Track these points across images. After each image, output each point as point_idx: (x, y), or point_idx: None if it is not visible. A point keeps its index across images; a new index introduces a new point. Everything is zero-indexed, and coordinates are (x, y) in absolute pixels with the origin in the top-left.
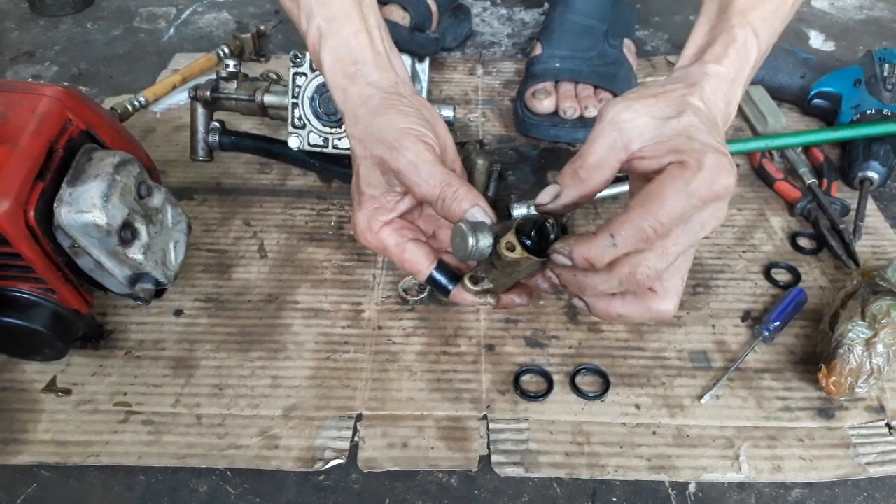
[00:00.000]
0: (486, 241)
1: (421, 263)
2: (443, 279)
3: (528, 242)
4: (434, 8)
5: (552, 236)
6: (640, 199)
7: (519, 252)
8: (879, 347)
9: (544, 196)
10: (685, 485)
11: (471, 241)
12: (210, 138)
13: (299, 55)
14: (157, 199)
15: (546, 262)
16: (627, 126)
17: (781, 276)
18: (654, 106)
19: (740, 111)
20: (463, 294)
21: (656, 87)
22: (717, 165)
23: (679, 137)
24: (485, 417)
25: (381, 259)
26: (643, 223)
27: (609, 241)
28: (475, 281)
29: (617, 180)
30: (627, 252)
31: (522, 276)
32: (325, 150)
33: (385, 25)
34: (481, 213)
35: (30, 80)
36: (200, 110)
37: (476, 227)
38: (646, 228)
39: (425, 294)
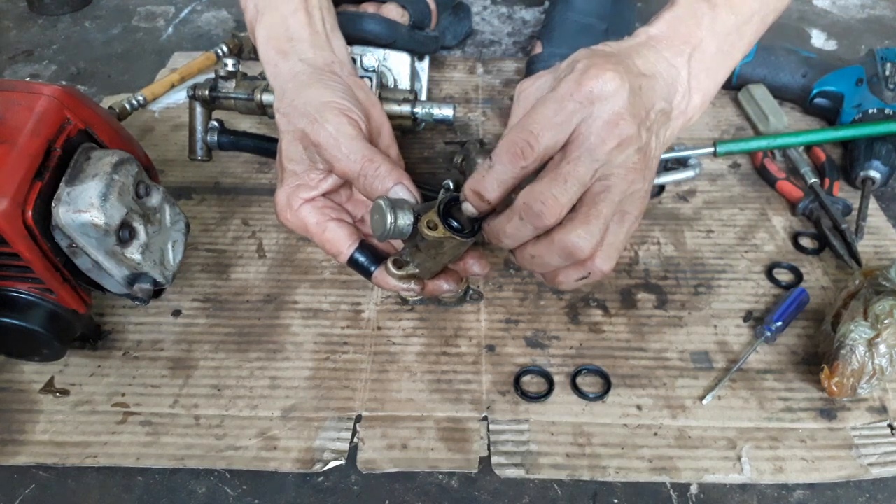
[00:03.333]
0: (405, 219)
1: (342, 244)
2: (364, 260)
3: (455, 223)
4: (433, 6)
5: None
6: (533, 185)
7: (441, 231)
8: (882, 348)
9: (469, 209)
10: (687, 486)
11: (389, 217)
12: (209, 137)
13: None
14: (155, 198)
15: (473, 241)
16: (527, 93)
17: (783, 276)
18: (555, 70)
19: (742, 111)
20: (386, 278)
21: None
22: (587, 67)
23: (566, 69)
24: (485, 418)
25: None
26: (514, 136)
27: (487, 165)
28: (399, 265)
29: None
30: (513, 180)
31: (448, 258)
32: None
33: (331, 7)
34: (404, 191)
35: (28, 79)
36: (199, 109)
37: (396, 203)
38: (516, 140)
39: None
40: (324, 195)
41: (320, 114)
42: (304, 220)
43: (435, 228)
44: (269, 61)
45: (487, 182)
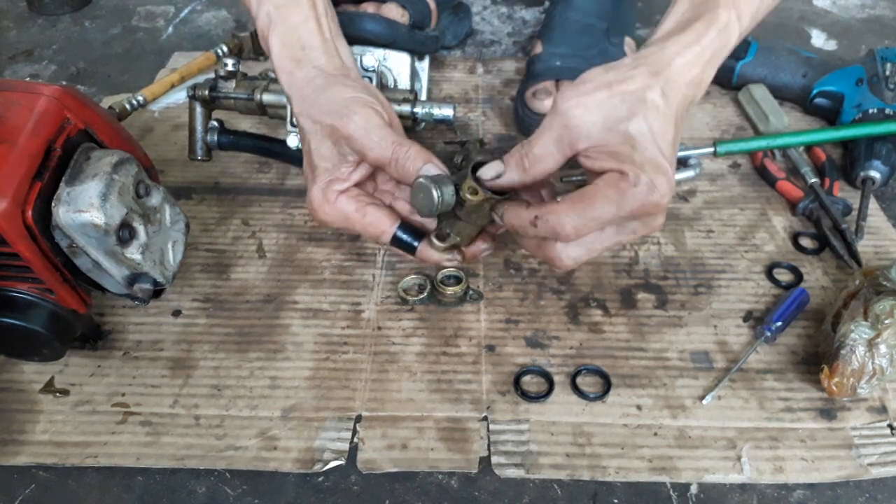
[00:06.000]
0: (449, 191)
1: (384, 223)
2: (407, 237)
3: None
4: (433, 6)
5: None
6: (575, 196)
7: (482, 194)
8: (882, 348)
9: (488, 172)
10: (687, 486)
11: (435, 193)
12: (208, 137)
13: None
14: (155, 198)
15: (508, 196)
16: (576, 123)
17: (783, 276)
18: (608, 103)
19: (742, 111)
20: (429, 251)
21: (617, 72)
22: (652, 184)
23: (624, 146)
24: (485, 418)
25: (381, 259)
26: (566, 220)
27: (530, 219)
28: (442, 238)
29: None
30: (545, 237)
31: (484, 220)
32: None
33: (333, 14)
34: (434, 169)
35: (28, 79)
36: (199, 109)
37: (437, 179)
38: (566, 226)
39: (425, 294)
40: (355, 186)
41: (348, 108)
42: (342, 210)
43: (476, 193)
44: (284, 69)
45: (528, 231)
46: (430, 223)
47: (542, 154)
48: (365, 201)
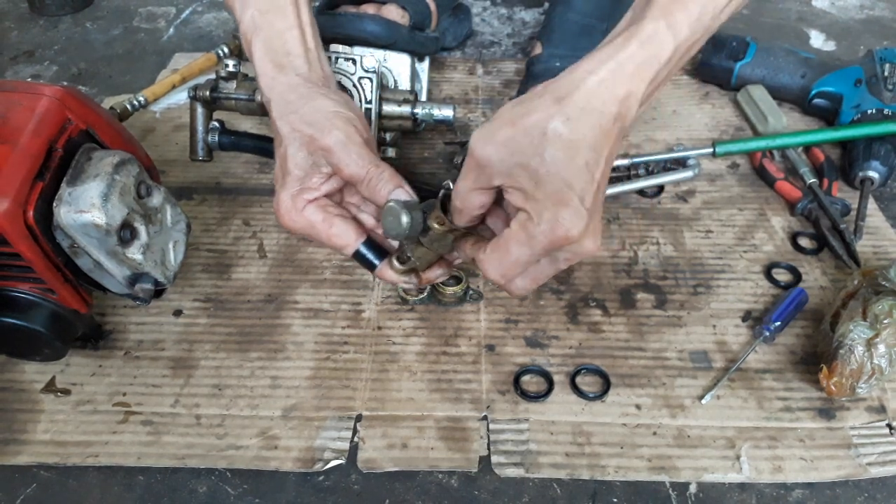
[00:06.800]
0: (418, 218)
1: (349, 237)
2: (370, 255)
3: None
4: (433, 7)
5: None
6: (494, 242)
7: (448, 224)
8: (881, 348)
9: (442, 190)
10: (686, 485)
11: (404, 218)
12: (209, 138)
13: None
14: (156, 198)
15: (471, 230)
16: (486, 162)
17: (782, 276)
18: (512, 140)
19: (741, 111)
20: (388, 272)
21: (522, 106)
22: (554, 220)
23: (529, 182)
24: (485, 418)
25: None
26: (489, 268)
27: (470, 260)
28: (402, 261)
29: (616, 180)
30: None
31: (445, 250)
32: None
33: (315, 23)
34: (405, 195)
35: (29, 79)
36: (200, 110)
37: (408, 205)
38: (490, 273)
39: (425, 294)
40: (325, 196)
41: (330, 121)
42: (309, 219)
43: (442, 224)
44: (266, 73)
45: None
46: (394, 243)
47: (465, 193)
48: (333, 212)
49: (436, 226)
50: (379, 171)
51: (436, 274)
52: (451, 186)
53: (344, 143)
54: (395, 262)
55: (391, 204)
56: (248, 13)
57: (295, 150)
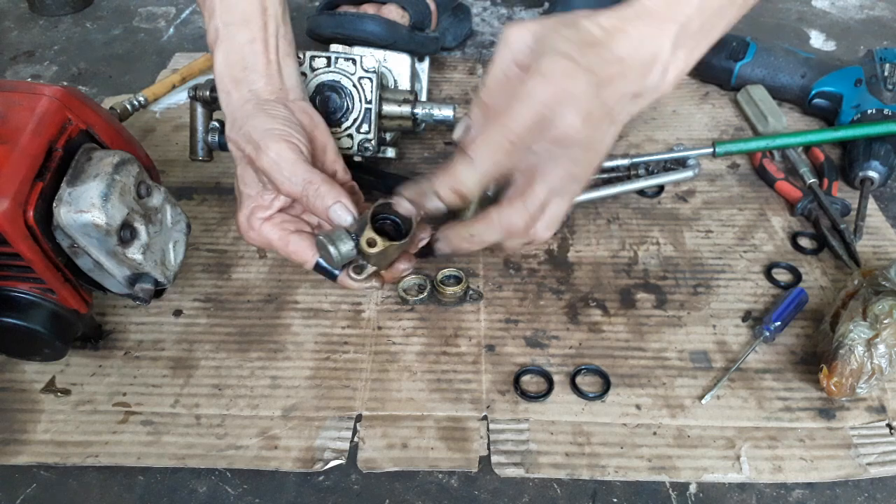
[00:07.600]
0: (347, 246)
1: (306, 253)
2: (329, 267)
3: (391, 219)
4: (433, 7)
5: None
6: (492, 209)
7: (381, 243)
8: (881, 348)
9: (457, 132)
10: (686, 485)
11: (333, 251)
12: (209, 138)
13: (298, 55)
14: (156, 198)
15: (411, 239)
16: (512, 40)
17: (782, 276)
18: (544, 23)
19: (741, 111)
20: (349, 281)
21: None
22: (550, 69)
23: (542, 46)
24: (485, 418)
25: None
26: (496, 135)
27: (467, 237)
28: (358, 271)
29: (616, 180)
30: (490, 174)
31: (394, 257)
32: None
33: (286, 33)
34: (343, 209)
35: (29, 79)
36: (200, 110)
37: (335, 236)
38: (503, 142)
39: (425, 294)
40: (280, 211)
41: (263, 141)
42: (266, 238)
43: (374, 244)
44: (223, 88)
45: (469, 180)
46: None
47: (496, 81)
48: (289, 229)
49: (367, 249)
50: (314, 187)
51: (400, 269)
52: (386, 201)
53: (275, 162)
54: (352, 273)
55: (319, 238)
56: (213, 24)
57: (242, 170)
